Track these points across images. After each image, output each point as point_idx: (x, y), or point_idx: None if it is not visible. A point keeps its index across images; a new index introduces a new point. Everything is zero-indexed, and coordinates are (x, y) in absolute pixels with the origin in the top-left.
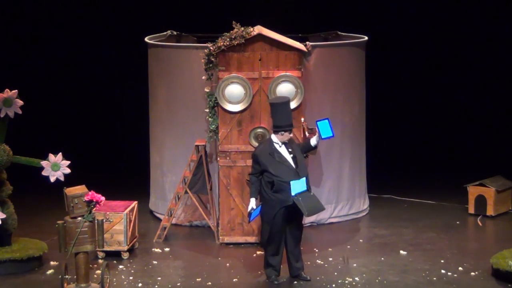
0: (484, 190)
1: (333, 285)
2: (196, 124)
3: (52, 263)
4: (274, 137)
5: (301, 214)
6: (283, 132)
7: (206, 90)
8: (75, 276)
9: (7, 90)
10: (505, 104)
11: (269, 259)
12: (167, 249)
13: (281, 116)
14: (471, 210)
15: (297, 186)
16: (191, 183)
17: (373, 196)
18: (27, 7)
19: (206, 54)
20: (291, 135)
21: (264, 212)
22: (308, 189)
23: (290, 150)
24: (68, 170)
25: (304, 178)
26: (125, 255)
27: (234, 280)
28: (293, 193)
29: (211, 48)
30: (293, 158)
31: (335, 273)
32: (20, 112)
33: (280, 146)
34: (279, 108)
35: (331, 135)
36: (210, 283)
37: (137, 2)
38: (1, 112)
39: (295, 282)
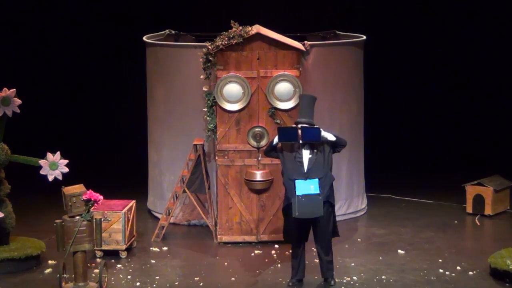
0: (482, 189)
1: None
2: (194, 123)
3: (50, 262)
4: None
5: (318, 219)
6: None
7: (204, 89)
8: (73, 275)
9: (5, 89)
10: (503, 103)
11: (292, 256)
12: (165, 248)
13: (301, 110)
14: (469, 209)
15: (305, 187)
16: (189, 182)
17: (371, 196)
18: (26, 6)
19: (204, 53)
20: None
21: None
22: (322, 193)
23: (315, 151)
24: (66, 169)
25: (315, 180)
26: (123, 254)
27: (232, 279)
28: (298, 193)
29: (210, 47)
30: (310, 160)
31: (333, 272)
32: (18, 111)
33: (304, 145)
34: (302, 101)
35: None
36: (208, 282)
37: (135, 1)
38: None
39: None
